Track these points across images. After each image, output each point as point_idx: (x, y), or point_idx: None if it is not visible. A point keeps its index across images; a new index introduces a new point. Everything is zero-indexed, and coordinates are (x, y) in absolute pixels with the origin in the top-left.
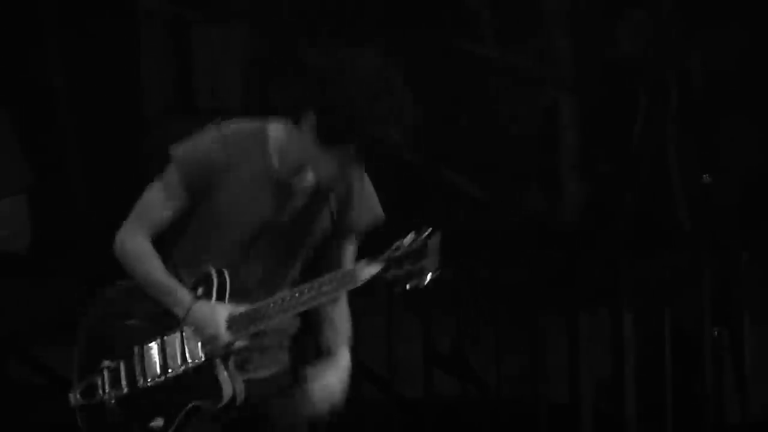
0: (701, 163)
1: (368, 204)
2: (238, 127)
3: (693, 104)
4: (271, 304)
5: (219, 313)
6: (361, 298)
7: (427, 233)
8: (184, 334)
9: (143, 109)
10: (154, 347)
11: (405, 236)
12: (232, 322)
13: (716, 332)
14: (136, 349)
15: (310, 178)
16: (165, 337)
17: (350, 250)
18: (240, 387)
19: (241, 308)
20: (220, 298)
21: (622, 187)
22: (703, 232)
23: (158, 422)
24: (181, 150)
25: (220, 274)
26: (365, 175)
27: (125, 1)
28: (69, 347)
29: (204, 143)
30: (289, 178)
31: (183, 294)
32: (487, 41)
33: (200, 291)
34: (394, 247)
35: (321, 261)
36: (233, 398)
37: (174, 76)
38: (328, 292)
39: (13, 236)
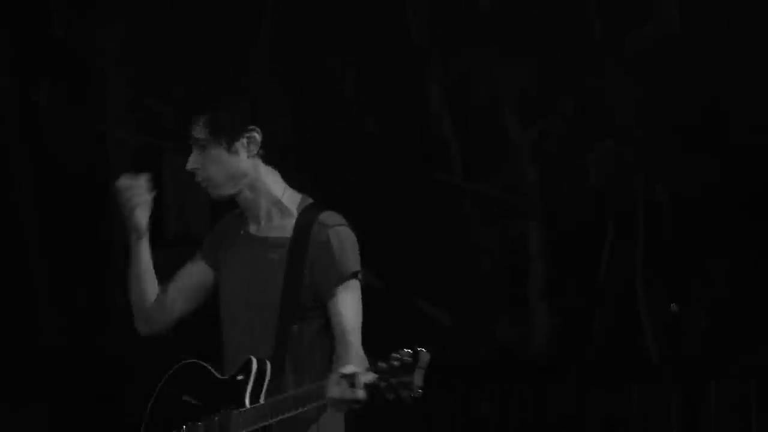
0: (668, 292)
1: (345, 257)
2: None
3: (660, 234)
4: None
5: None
6: None
7: (417, 350)
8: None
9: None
10: (200, 428)
11: (397, 350)
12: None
13: None
14: (185, 426)
15: (281, 223)
16: (207, 421)
17: (345, 298)
18: None
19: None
20: (258, 385)
21: (591, 318)
22: (670, 362)
23: None
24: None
25: (261, 363)
26: (345, 229)
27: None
28: None
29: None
30: (262, 231)
31: None
32: (456, 172)
33: (240, 377)
34: (390, 357)
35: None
36: None
37: None
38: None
39: None
